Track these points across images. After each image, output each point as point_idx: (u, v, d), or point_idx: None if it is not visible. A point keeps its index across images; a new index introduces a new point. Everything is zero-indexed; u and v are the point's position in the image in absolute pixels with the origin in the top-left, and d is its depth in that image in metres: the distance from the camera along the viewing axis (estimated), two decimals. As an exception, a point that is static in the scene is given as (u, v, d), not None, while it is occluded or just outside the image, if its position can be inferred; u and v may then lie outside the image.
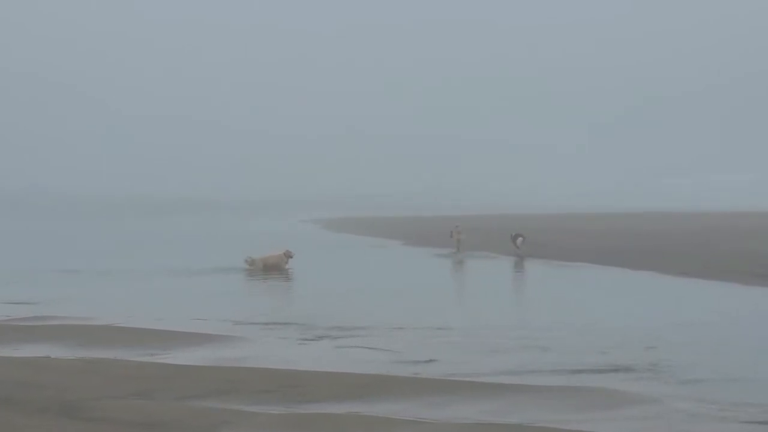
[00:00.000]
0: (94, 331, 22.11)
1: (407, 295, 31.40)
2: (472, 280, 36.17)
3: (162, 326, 22.85)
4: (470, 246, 49.61)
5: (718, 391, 15.34)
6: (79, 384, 15.62)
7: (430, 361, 18.33)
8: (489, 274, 39.14)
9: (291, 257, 38.81)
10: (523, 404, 14.61)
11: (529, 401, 14.80)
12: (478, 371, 17.13)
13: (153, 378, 16.25)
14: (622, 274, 36.06)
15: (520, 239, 48.64)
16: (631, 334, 21.12)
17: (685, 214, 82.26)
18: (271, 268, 38.11)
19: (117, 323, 23.43)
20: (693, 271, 34.90)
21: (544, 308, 26.58)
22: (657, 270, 36.21)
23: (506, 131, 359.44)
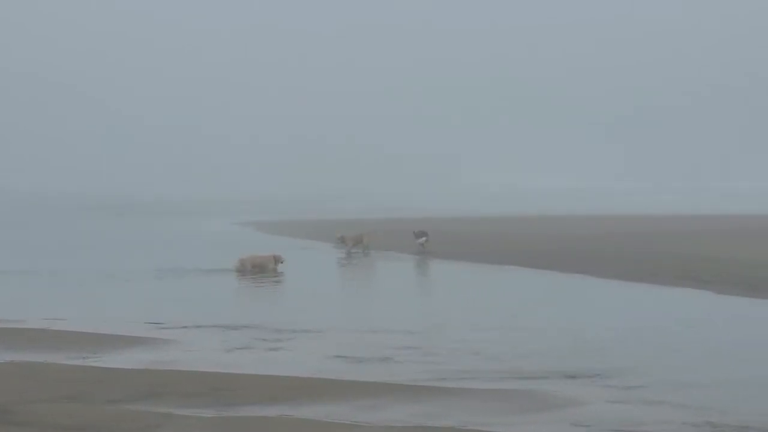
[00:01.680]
0: (25, 334, 21.86)
1: (337, 297, 31.60)
2: (398, 282, 36.10)
3: (96, 329, 22.63)
4: (381, 247, 49.45)
5: (660, 394, 15.58)
6: (9, 388, 15.49)
7: (366, 363, 18.44)
8: (416, 277, 39.21)
9: (281, 262, 38.83)
10: (457, 407, 14.78)
11: (463, 404, 14.98)
12: (414, 374, 17.26)
13: (84, 381, 16.18)
14: (553, 277, 36.25)
15: (423, 238, 49.31)
16: (563, 338, 21.37)
17: (655, 217, 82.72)
18: (257, 269, 38.18)
19: (49, 326, 23.14)
20: (626, 274, 35.24)
21: (474, 311, 26.70)
22: (590, 273, 36.48)
23: (505, 132, 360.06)
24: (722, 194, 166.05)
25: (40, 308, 26.93)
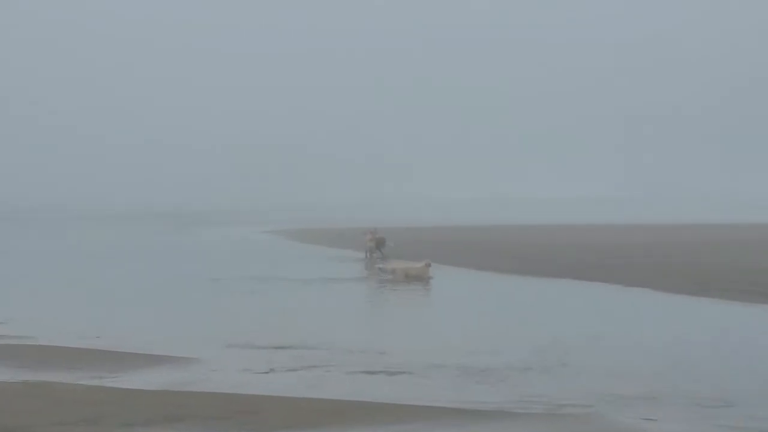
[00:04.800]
0: (38, 352, 20.94)
1: (381, 314, 30.67)
2: (458, 300, 34.64)
3: (114, 347, 21.63)
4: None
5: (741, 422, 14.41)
6: (20, 409, 14.74)
7: (405, 385, 17.37)
8: (473, 294, 37.63)
9: (430, 266, 38.93)
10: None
11: (509, 430, 13.92)
12: (461, 397, 16.21)
13: (100, 402, 15.33)
14: (616, 291, 34.84)
15: (389, 244, 49.20)
16: (634, 358, 20.15)
17: (678, 226, 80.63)
18: (411, 278, 37.85)
19: (65, 344, 22.09)
20: (688, 288, 33.87)
21: (532, 328, 25.32)
22: (651, 286, 35.09)
23: (502, 140, 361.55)
24: (726, 202, 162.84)
25: (66, 325, 26.02)
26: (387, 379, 18.00)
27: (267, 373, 18.69)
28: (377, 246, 50.79)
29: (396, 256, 47.20)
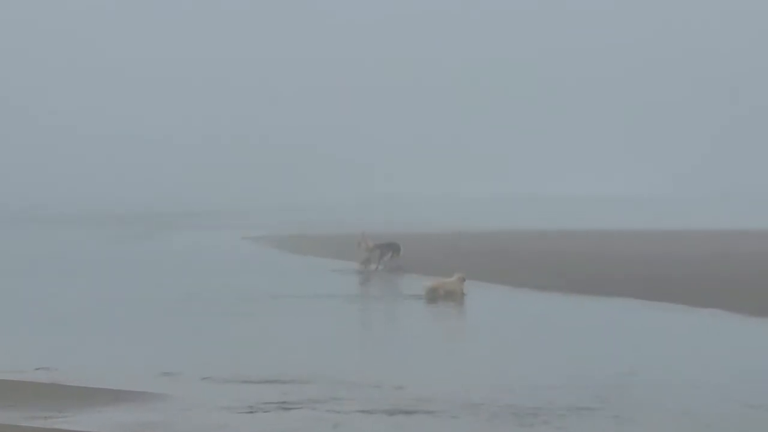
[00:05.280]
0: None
1: (396, 340, 26.92)
2: (502, 321, 31.47)
3: (65, 380, 18.74)
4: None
5: None
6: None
7: (418, 423, 14.61)
8: (495, 311, 34.29)
9: (464, 280, 36.22)
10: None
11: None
12: None
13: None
14: (684, 313, 31.41)
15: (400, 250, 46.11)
16: (705, 397, 17.10)
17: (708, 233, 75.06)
18: (447, 297, 34.92)
19: (2, 376, 18.95)
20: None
21: (583, 358, 22.24)
22: (723, 307, 31.65)
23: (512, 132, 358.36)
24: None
25: (20, 355, 22.89)
26: (400, 420, 15.20)
27: (250, 413, 15.82)
28: (392, 254, 47.27)
29: (409, 270, 43.85)
